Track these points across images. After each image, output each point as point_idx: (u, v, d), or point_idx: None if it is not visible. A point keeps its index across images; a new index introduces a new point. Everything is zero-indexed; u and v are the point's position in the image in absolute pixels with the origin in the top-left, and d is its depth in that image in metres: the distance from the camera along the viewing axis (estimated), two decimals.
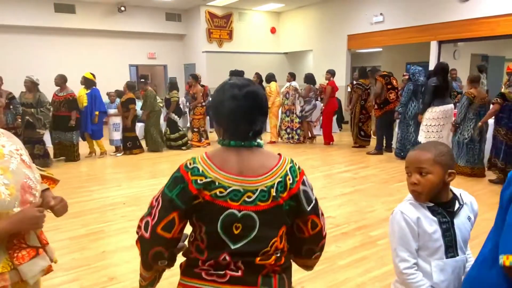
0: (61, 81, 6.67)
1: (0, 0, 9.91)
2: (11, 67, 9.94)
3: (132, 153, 7.45)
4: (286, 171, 1.18)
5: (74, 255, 3.21)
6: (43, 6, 10.54)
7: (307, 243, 1.25)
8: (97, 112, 7.00)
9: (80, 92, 7.01)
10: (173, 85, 8.07)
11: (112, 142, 7.48)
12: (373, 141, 7.52)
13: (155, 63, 13.29)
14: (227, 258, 1.14)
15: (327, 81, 8.11)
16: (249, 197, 1.13)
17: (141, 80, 8.76)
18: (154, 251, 1.15)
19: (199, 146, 8.10)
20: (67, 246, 3.40)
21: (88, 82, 7.00)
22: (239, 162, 1.17)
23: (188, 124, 8.80)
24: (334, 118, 9.70)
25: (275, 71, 10.09)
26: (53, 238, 3.52)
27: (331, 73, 8.10)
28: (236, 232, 1.14)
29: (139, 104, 8.10)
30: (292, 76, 8.36)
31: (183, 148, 7.90)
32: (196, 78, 8.35)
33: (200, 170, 1.14)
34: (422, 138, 5.99)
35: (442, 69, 5.84)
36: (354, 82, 7.84)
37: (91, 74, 7.13)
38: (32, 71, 7.77)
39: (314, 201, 1.22)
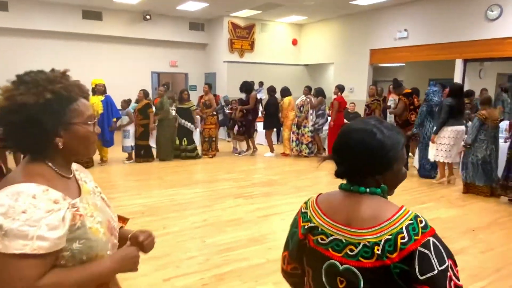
0: None
1: (30, 6, 10.26)
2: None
3: (146, 161, 7.46)
4: (401, 228, 0.99)
5: None
6: (72, 13, 10.86)
7: None
8: (114, 119, 7.08)
9: (93, 99, 6.79)
10: (189, 95, 8.03)
11: (123, 149, 7.53)
12: None
13: (176, 71, 13.49)
14: None
15: (335, 96, 8.09)
16: (351, 250, 1.02)
17: (164, 85, 8.82)
18: (282, 271, 1.30)
19: (208, 156, 8.08)
20: None
21: (103, 89, 7.02)
22: (347, 209, 1.07)
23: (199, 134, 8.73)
24: None
25: (295, 82, 10.12)
26: None
27: (339, 88, 8.09)
28: (340, 286, 1.04)
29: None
30: (309, 90, 8.34)
31: (197, 158, 7.91)
32: (211, 87, 8.42)
33: (308, 216, 1.15)
34: (431, 156, 6.07)
35: (459, 90, 5.98)
36: (371, 98, 7.86)
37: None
38: None
39: (436, 271, 0.95)
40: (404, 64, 12.21)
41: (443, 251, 0.98)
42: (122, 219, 1.44)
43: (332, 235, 1.06)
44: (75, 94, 1.06)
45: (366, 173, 1.07)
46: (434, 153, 5.99)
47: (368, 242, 1.00)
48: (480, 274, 3.18)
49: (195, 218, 4.38)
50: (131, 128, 7.43)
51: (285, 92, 8.39)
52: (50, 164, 1.04)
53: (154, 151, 7.84)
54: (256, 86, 11.61)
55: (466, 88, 8.63)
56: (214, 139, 8.27)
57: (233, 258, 3.38)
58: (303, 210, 1.17)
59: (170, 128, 7.73)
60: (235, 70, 12.42)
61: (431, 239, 0.98)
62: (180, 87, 14.18)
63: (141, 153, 7.48)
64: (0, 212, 0.90)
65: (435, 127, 6.11)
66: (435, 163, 6.30)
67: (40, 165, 1.03)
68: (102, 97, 6.97)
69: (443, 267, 0.96)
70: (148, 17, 11.60)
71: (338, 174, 1.12)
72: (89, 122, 1.07)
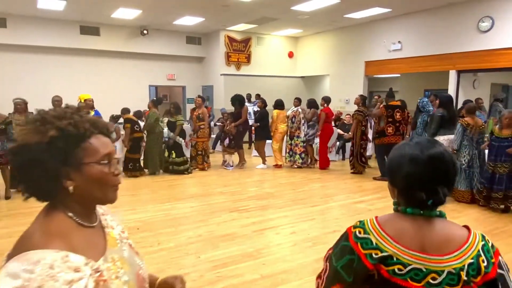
0: (62, 102, 6.68)
1: (28, 22, 10.39)
2: (38, 87, 10.33)
3: (133, 175, 7.42)
4: (478, 250, 1.00)
5: None
6: (70, 28, 10.98)
7: None
8: None
9: None
10: (178, 109, 7.97)
11: None
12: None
13: (174, 84, 13.59)
14: None
15: (321, 107, 8.29)
16: (433, 278, 0.98)
17: (154, 99, 8.76)
18: None
19: (202, 169, 8.06)
20: None
21: (92, 104, 7.04)
22: (418, 235, 1.02)
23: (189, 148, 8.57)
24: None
25: (291, 94, 10.18)
26: None
27: (325, 100, 8.32)
28: None
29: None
30: (299, 101, 8.47)
31: (185, 173, 7.74)
32: (204, 99, 8.47)
33: (374, 243, 1.03)
34: None
35: (449, 101, 6.29)
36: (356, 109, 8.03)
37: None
38: (57, 91, 8.06)
39: None
40: (399, 75, 12.34)
41: (506, 264, 1.03)
42: None
43: (410, 265, 0.99)
44: (87, 130, 0.93)
45: (444, 196, 1.05)
46: None
47: (454, 268, 0.97)
48: None
49: (190, 233, 4.39)
50: (117, 144, 7.46)
51: (277, 104, 8.49)
52: (69, 213, 0.93)
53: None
54: (253, 99, 11.71)
55: (461, 98, 8.75)
56: (205, 152, 8.22)
57: (227, 274, 3.39)
58: (360, 235, 1.06)
59: (157, 141, 7.66)
60: (232, 82, 12.51)
61: (500, 258, 1.02)
62: (178, 100, 14.33)
63: (129, 167, 7.45)
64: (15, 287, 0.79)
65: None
66: None
67: (58, 216, 0.92)
68: (92, 112, 6.97)
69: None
70: (145, 32, 11.74)
71: (436, 203, 1.05)
72: (102, 162, 0.94)
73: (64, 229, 0.90)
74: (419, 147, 1.06)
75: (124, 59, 12.17)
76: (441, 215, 1.06)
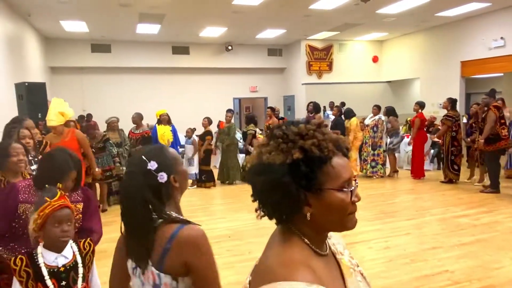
0: (138, 119, 6.97)
1: (128, 46, 11.59)
2: (136, 104, 11.40)
3: (205, 186, 7.59)
4: None
5: None
6: (163, 49, 12.00)
7: None
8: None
9: (162, 129, 7.11)
10: (250, 120, 8.09)
11: (189, 176, 7.74)
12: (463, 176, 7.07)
13: (256, 96, 13.96)
14: None
15: (415, 113, 7.79)
16: None
17: (231, 111, 8.98)
18: None
19: None
20: None
21: (168, 118, 7.33)
22: None
23: None
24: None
25: (377, 100, 9.73)
26: None
27: (420, 105, 7.80)
28: None
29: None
30: (378, 109, 8.03)
31: None
32: (273, 110, 8.51)
33: None
34: None
35: None
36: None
37: None
38: (151, 107, 8.79)
39: None
40: (502, 74, 11.03)
41: None
42: None
43: None
44: (329, 151, 0.84)
45: None
46: None
47: None
48: None
49: None
50: (195, 157, 7.58)
51: (350, 113, 8.14)
52: (306, 241, 0.86)
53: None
54: None
55: None
56: None
57: None
58: None
59: (235, 152, 7.87)
60: (314, 91, 12.40)
61: None
62: (261, 110, 14.65)
63: (202, 178, 7.62)
64: None
65: None
66: None
67: (297, 243, 0.85)
68: (170, 127, 7.24)
69: None
70: (230, 47, 12.30)
71: None
72: (344, 189, 0.85)
73: (305, 257, 0.83)
74: None
75: (210, 74, 12.88)
76: None
